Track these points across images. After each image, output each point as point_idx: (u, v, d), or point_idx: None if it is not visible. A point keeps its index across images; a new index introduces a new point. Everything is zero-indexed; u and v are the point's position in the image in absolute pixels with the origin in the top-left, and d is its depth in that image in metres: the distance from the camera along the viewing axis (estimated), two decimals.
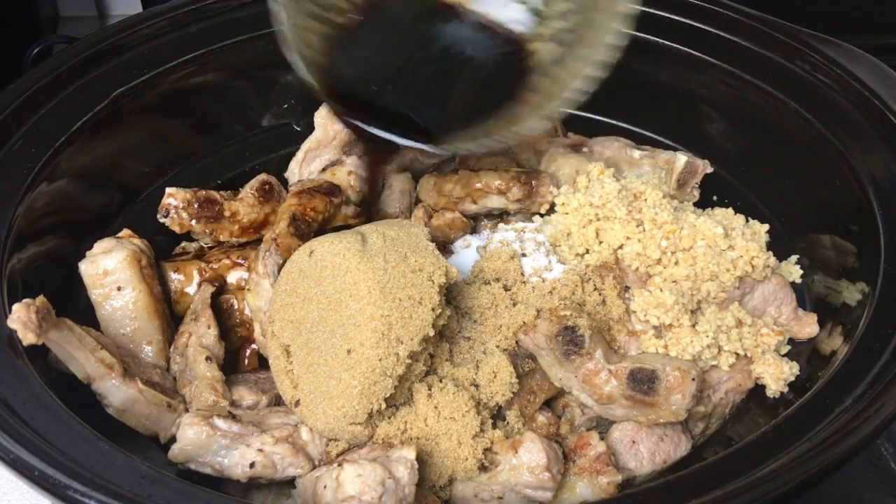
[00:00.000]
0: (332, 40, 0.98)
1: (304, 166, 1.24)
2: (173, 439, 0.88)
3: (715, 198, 1.20)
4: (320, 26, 0.97)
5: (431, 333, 0.88)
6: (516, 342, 0.96)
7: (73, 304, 0.98)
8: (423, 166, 1.26)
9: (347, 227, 1.09)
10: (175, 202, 1.08)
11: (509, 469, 0.87)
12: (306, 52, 0.96)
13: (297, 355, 0.92)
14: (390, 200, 1.19)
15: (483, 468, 0.88)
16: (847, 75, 1.11)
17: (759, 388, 1.00)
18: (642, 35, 1.15)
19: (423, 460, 0.85)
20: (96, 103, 1.10)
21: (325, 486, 0.80)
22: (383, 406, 0.86)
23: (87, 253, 0.99)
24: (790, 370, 0.98)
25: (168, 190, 1.09)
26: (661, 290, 0.99)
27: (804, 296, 1.07)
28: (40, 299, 0.83)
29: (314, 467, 0.88)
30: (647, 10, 1.05)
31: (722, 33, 1.20)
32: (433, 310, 0.88)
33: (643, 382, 0.89)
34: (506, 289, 1.01)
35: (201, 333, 0.99)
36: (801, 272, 1.08)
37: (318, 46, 0.98)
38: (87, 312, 0.98)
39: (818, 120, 1.10)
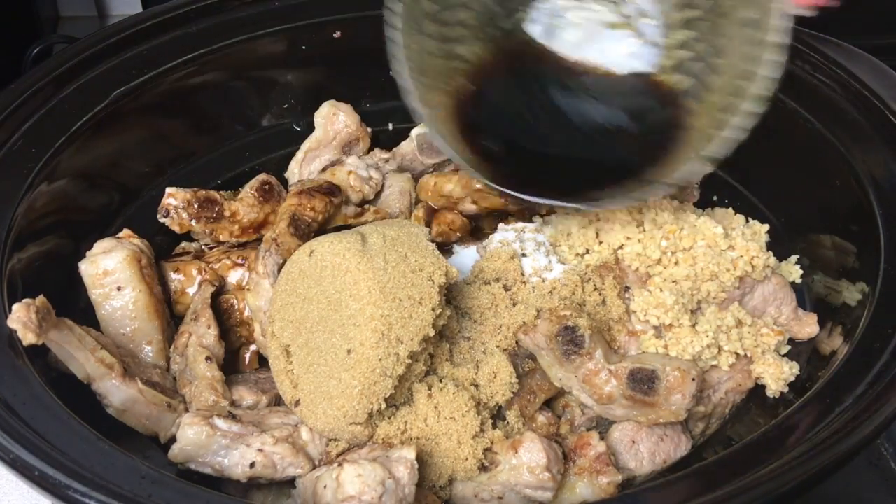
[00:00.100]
0: (458, 101, 0.98)
1: (304, 166, 1.25)
2: (173, 439, 0.87)
3: (715, 198, 1.20)
4: (445, 86, 0.97)
5: (431, 333, 0.88)
6: (516, 342, 0.96)
7: (73, 304, 0.98)
8: (423, 166, 1.26)
9: (347, 227, 1.09)
10: (175, 202, 1.08)
11: (509, 469, 0.87)
12: (433, 109, 0.96)
13: (297, 355, 0.92)
14: (390, 200, 1.19)
15: (483, 468, 0.88)
16: (847, 75, 1.11)
17: (759, 388, 1.00)
18: None
19: (423, 460, 0.85)
20: (96, 103, 1.10)
21: (325, 486, 0.80)
22: (383, 406, 0.86)
23: (87, 253, 0.99)
24: (790, 370, 0.98)
25: (168, 190, 1.09)
26: (661, 291, 0.99)
27: (804, 296, 1.07)
28: (40, 299, 0.83)
29: (314, 467, 0.88)
30: None
31: None
32: (433, 310, 0.88)
33: (643, 382, 0.89)
34: (506, 289, 1.01)
35: (201, 333, 0.99)
36: (801, 272, 1.08)
37: (446, 105, 0.97)
38: (87, 312, 0.98)
39: (818, 120, 1.10)
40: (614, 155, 0.98)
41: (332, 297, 0.89)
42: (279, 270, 0.99)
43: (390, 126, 1.34)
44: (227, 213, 1.09)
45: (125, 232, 1.05)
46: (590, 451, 0.90)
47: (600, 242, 1.04)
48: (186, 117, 1.23)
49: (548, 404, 0.98)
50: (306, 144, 1.25)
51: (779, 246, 1.08)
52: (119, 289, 0.97)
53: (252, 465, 0.86)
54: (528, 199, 0.95)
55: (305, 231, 1.05)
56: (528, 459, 0.86)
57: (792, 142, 1.13)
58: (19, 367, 0.82)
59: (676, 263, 1.02)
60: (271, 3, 1.27)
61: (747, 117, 0.89)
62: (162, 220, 1.08)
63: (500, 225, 1.13)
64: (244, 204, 1.10)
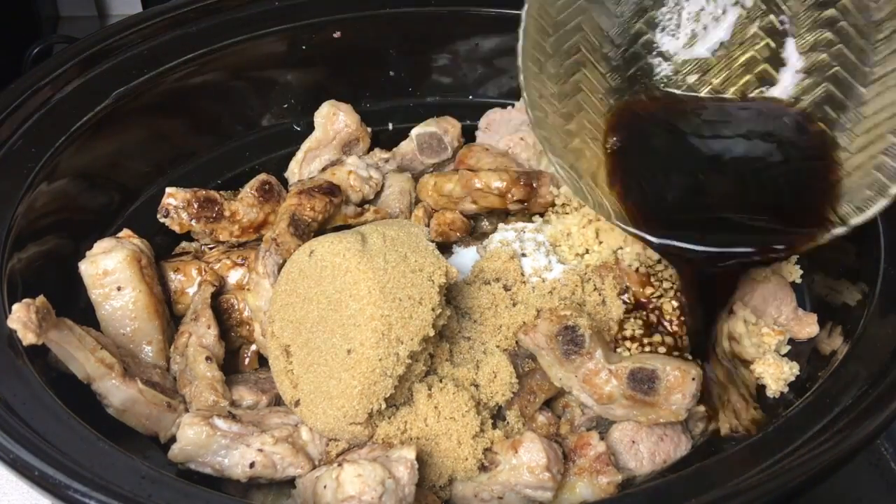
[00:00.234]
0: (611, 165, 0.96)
1: (304, 166, 1.25)
2: (173, 439, 0.87)
3: None
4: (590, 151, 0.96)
5: (431, 333, 0.88)
6: (516, 342, 0.96)
7: (73, 304, 0.98)
8: (423, 166, 1.26)
9: (347, 227, 1.09)
10: (175, 202, 1.08)
11: (509, 469, 0.87)
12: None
13: (297, 355, 0.92)
14: (390, 200, 1.19)
15: (483, 468, 0.88)
16: None
17: (759, 388, 1.00)
18: None
19: (423, 460, 0.85)
20: (96, 103, 1.10)
21: (325, 486, 0.80)
22: (383, 406, 0.86)
23: (87, 253, 0.99)
24: (790, 370, 0.98)
25: (168, 190, 1.09)
26: None
27: (804, 296, 1.07)
28: (40, 299, 0.83)
29: (314, 467, 0.88)
30: None
31: None
32: (433, 310, 0.88)
33: (643, 382, 0.89)
34: (506, 289, 1.01)
35: (201, 333, 0.99)
36: (801, 272, 1.07)
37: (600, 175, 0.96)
38: (87, 312, 0.98)
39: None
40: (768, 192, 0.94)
41: (332, 297, 0.89)
42: (279, 270, 0.99)
43: (390, 126, 1.34)
44: (227, 213, 1.09)
45: (125, 232, 1.05)
46: (590, 451, 0.90)
47: (600, 242, 1.04)
48: (186, 117, 1.23)
49: (548, 404, 0.98)
50: (306, 144, 1.25)
51: None
52: (119, 289, 0.97)
53: (252, 465, 0.86)
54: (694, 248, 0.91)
55: (305, 231, 1.05)
56: (528, 459, 0.86)
57: None
58: (19, 367, 0.82)
59: None
60: (271, 3, 1.27)
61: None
62: (162, 220, 1.08)
63: (500, 225, 1.13)
64: (244, 204, 1.10)
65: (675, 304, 1.00)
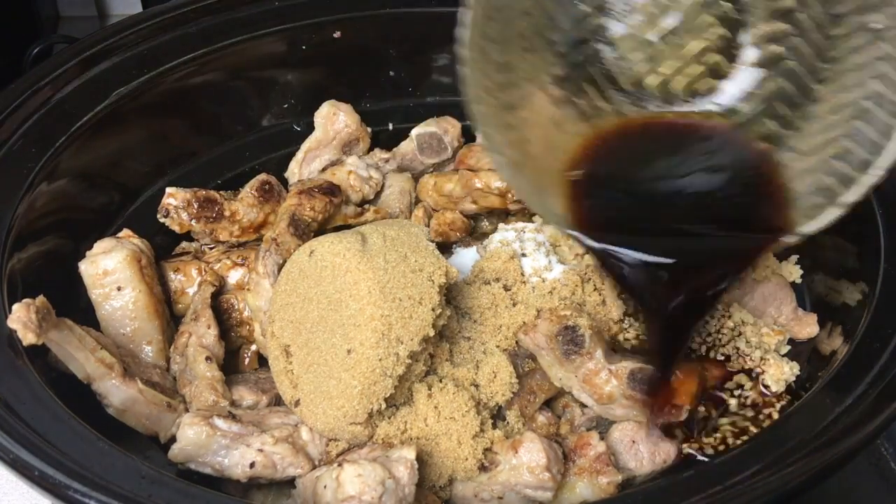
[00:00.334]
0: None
1: (304, 166, 1.25)
2: (173, 439, 0.87)
3: None
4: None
5: (431, 333, 0.88)
6: (516, 342, 0.96)
7: (73, 304, 0.98)
8: (423, 166, 1.26)
9: (347, 227, 1.09)
10: (175, 202, 1.08)
11: (509, 469, 0.87)
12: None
13: (297, 355, 0.92)
14: (390, 200, 1.19)
15: (483, 468, 0.88)
16: None
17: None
18: None
19: (423, 460, 0.85)
20: (96, 103, 1.10)
21: (325, 486, 0.80)
22: (383, 406, 0.86)
23: (87, 253, 0.99)
24: (790, 370, 0.98)
25: (168, 190, 1.09)
26: None
27: (804, 296, 1.07)
28: (40, 299, 0.83)
29: (314, 467, 0.88)
30: None
31: None
32: (433, 310, 0.88)
33: (643, 382, 0.89)
34: (506, 289, 1.01)
35: (201, 333, 0.99)
36: (801, 272, 1.08)
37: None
38: (87, 312, 0.98)
39: None
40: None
41: (332, 296, 0.89)
42: (279, 270, 0.99)
43: (390, 126, 1.34)
44: (227, 213, 1.09)
45: (125, 232, 1.05)
46: (590, 451, 0.90)
47: None
48: (186, 117, 1.23)
49: (548, 404, 0.98)
50: (306, 144, 1.25)
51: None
52: (119, 289, 0.97)
53: (252, 465, 0.86)
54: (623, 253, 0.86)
55: (305, 231, 1.05)
56: (528, 459, 0.86)
57: None
58: (19, 367, 0.82)
59: None
60: (271, 3, 1.27)
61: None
62: (162, 220, 1.08)
63: (500, 225, 1.13)
64: (244, 204, 1.10)
65: None
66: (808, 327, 1.03)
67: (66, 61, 1.13)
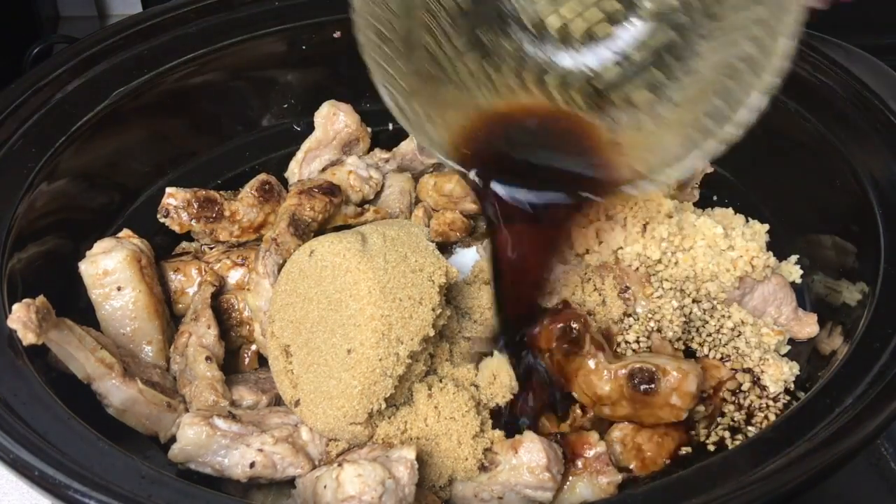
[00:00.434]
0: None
1: (304, 166, 1.24)
2: (173, 439, 0.87)
3: (715, 198, 1.20)
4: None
5: (431, 333, 0.88)
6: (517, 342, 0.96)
7: (73, 304, 0.98)
8: (423, 166, 1.26)
9: (347, 227, 1.09)
10: (175, 202, 1.08)
11: (509, 469, 0.87)
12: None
13: (297, 355, 0.92)
14: (390, 200, 1.19)
15: (483, 468, 0.88)
16: (847, 75, 1.11)
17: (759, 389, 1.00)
18: None
19: (423, 460, 0.85)
20: (96, 103, 1.10)
21: (325, 486, 0.80)
22: (383, 406, 0.86)
23: (87, 253, 0.99)
24: (790, 370, 0.98)
25: (168, 190, 1.09)
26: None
27: (804, 296, 1.07)
28: (40, 299, 0.83)
29: (314, 467, 0.88)
30: None
31: None
32: (433, 310, 0.88)
33: (643, 382, 0.89)
34: None
35: (201, 333, 0.99)
36: (801, 272, 1.08)
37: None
38: (87, 312, 0.98)
39: (818, 120, 1.10)
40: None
41: (332, 296, 0.89)
42: (279, 270, 0.99)
43: (390, 126, 1.33)
44: (227, 213, 1.09)
45: (125, 232, 1.05)
46: (590, 451, 0.90)
47: (600, 242, 1.04)
48: (186, 117, 1.23)
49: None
50: (306, 144, 1.25)
51: (779, 246, 1.08)
52: (119, 289, 0.97)
53: (252, 465, 0.86)
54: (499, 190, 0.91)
55: (305, 231, 1.05)
56: (528, 459, 0.86)
57: (792, 142, 1.13)
58: (19, 367, 0.82)
59: (676, 264, 1.02)
60: (271, 3, 1.27)
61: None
62: (162, 220, 1.08)
63: None
64: (244, 204, 1.10)
65: (674, 303, 1.00)
66: (808, 327, 1.03)
67: (66, 61, 1.13)
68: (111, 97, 1.11)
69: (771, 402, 0.98)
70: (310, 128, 1.26)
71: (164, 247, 1.11)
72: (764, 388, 0.99)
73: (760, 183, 1.17)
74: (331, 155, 1.24)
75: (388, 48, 0.91)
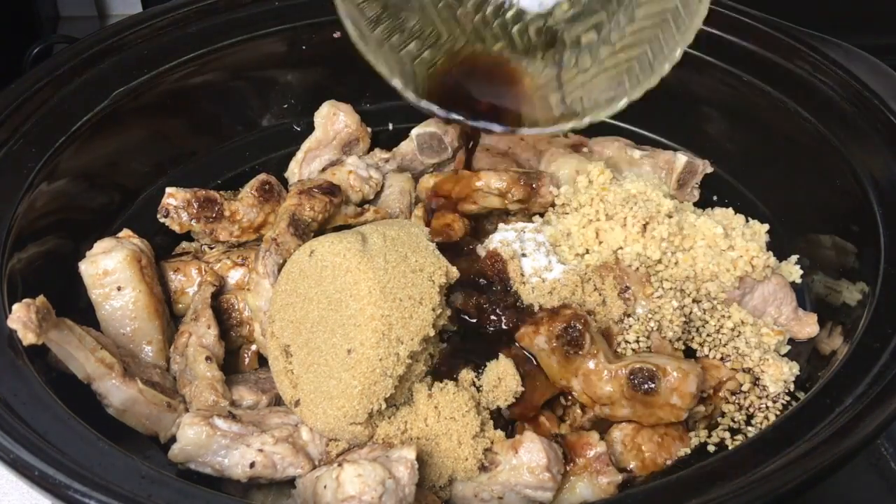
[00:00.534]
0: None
1: (304, 166, 1.24)
2: (173, 439, 0.87)
3: (715, 198, 1.20)
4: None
5: (432, 333, 0.88)
6: (516, 342, 0.96)
7: (73, 304, 0.98)
8: (423, 166, 1.26)
9: (347, 227, 1.09)
10: (175, 202, 1.08)
11: (509, 469, 0.87)
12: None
13: (297, 355, 0.92)
14: (390, 200, 1.19)
15: (483, 468, 0.88)
16: (847, 75, 1.11)
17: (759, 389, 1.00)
18: None
19: (423, 460, 0.85)
20: (96, 103, 1.10)
21: (325, 486, 0.80)
22: (383, 406, 0.86)
23: (87, 253, 0.99)
24: (790, 370, 0.98)
25: (168, 190, 1.09)
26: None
27: (804, 296, 1.07)
28: (40, 299, 0.83)
29: (314, 467, 0.88)
30: None
31: (722, 33, 1.20)
32: (433, 310, 0.88)
33: (643, 382, 0.89)
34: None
35: (201, 333, 0.99)
36: (801, 272, 1.08)
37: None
38: (87, 312, 0.98)
39: (818, 120, 1.10)
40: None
41: (333, 296, 0.89)
42: (279, 270, 0.99)
43: (390, 126, 1.34)
44: (227, 213, 1.09)
45: (125, 232, 1.05)
46: (590, 451, 0.90)
47: (600, 242, 1.04)
48: (186, 117, 1.23)
49: (548, 404, 0.98)
50: (306, 144, 1.25)
51: (779, 246, 1.08)
52: (119, 289, 0.97)
53: (252, 465, 0.86)
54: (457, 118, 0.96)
55: (305, 231, 1.05)
56: (528, 459, 0.86)
57: (792, 142, 1.13)
58: (19, 367, 0.82)
59: (676, 264, 1.02)
60: (271, 3, 1.27)
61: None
62: (162, 220, 1.08)
63: (500, 225, 1.13)
64: (244, 204, 1.10)
65: (674, 303, 1.00)
66: (808, 327, 1.03)
67: (66, 61, 1.13)
68: (111, 97, 1.11)
69: (771, 403, 0.98)
70: (310, 128, 1.26)
71: (164, 247, 1.11)
72: (764, 388, 0.99)
73: (760, 183, 1.17)
74: (331, 155, 1.24)
75: None
